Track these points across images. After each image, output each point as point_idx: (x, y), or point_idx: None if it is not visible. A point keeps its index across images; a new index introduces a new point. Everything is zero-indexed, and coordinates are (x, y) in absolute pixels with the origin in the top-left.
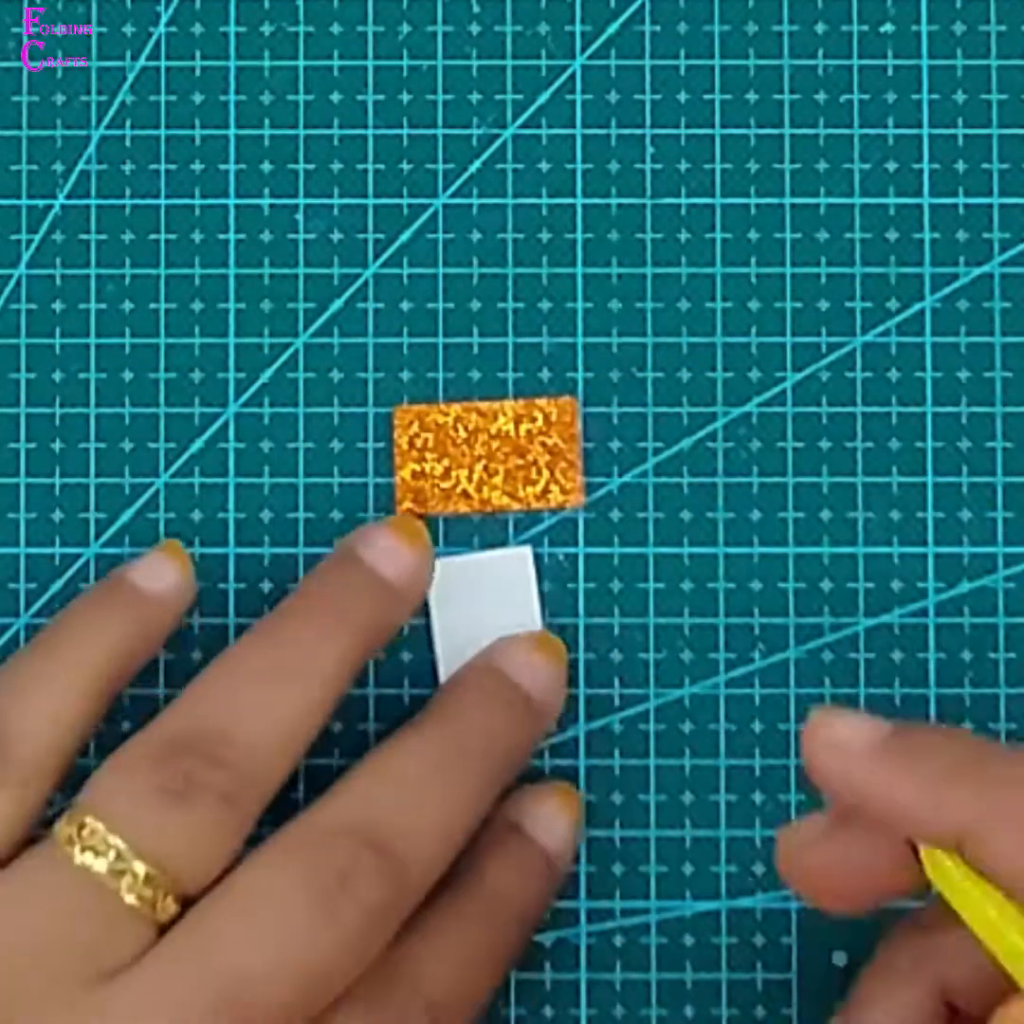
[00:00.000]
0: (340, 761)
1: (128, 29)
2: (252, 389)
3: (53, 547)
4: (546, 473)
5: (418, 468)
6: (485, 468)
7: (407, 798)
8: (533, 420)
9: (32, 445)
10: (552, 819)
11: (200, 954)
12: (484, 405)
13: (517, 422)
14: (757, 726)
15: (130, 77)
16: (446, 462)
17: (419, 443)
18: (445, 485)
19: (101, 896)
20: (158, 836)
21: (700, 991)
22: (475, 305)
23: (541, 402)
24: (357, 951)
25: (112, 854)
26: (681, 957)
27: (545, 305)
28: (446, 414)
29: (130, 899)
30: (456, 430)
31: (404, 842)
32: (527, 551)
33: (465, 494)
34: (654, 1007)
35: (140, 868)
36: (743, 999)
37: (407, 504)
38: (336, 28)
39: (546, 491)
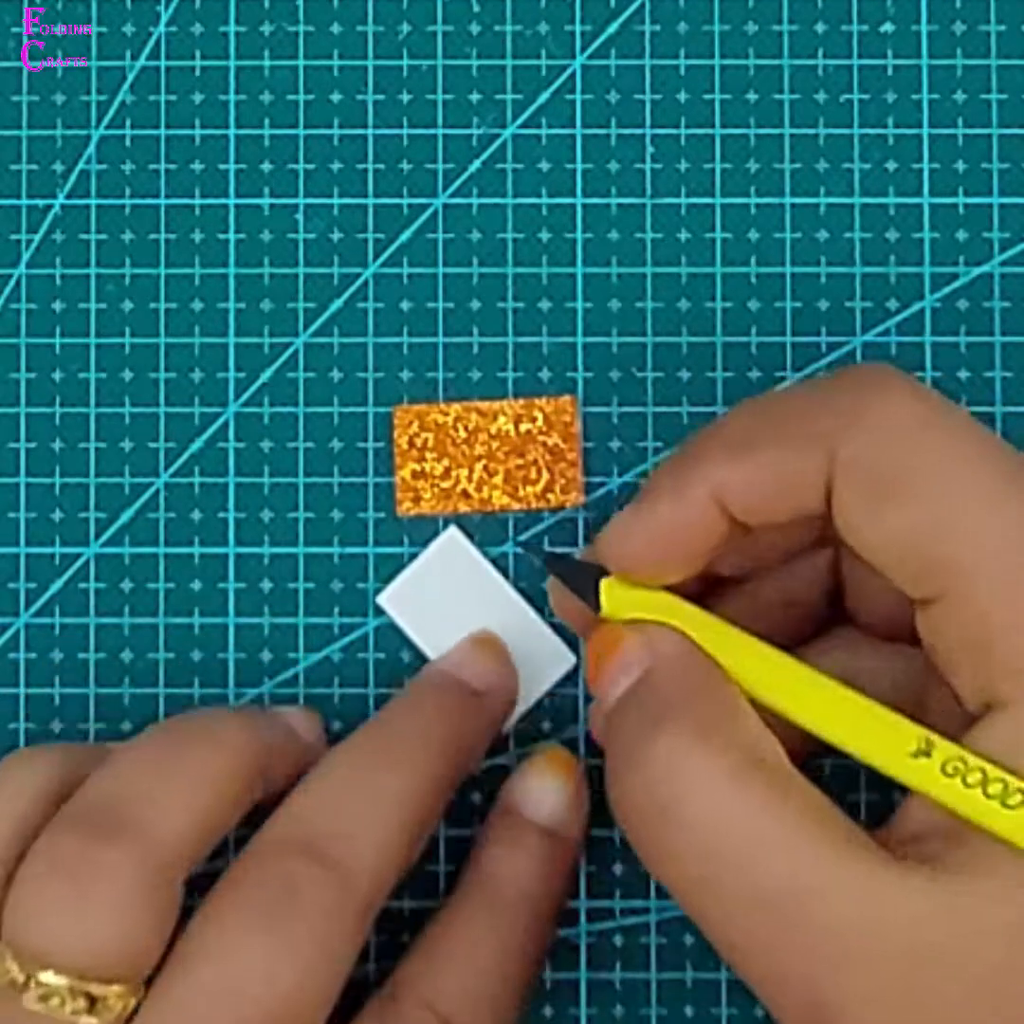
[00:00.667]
0: None
1: (128, 29)
2: (252, 389)
3: (53, 547)
4: (546, 473)
5: (418, 468)
6: (485, 468)
7: (337, 804)
8: (533, 420)
9: (32, 445)
10: (540, 792)
11: (180, 1012)
12: (484, 405)
13: (517, 422)
14: None
15: (130, 77)
16: (446, 462)
17: (419, 443)
18: (445, 485)
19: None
20: (73, 946)
21: (700, 991)
22: (475, 305)
23: (540, 402)
24: (324, 957)
25: (31, 979)
26: (681, 957)
27: (545, 305)
28: (446, 414)
29: (63, 1012)
30: (456, 430)
31: (339, 845)
32: (452, 529)
33: (465, 494)
34: (654, 1007)
35: (60, 982)
36: (743, 999)
37: (407, 504)
38: (336, 28)
39: (546, 491)
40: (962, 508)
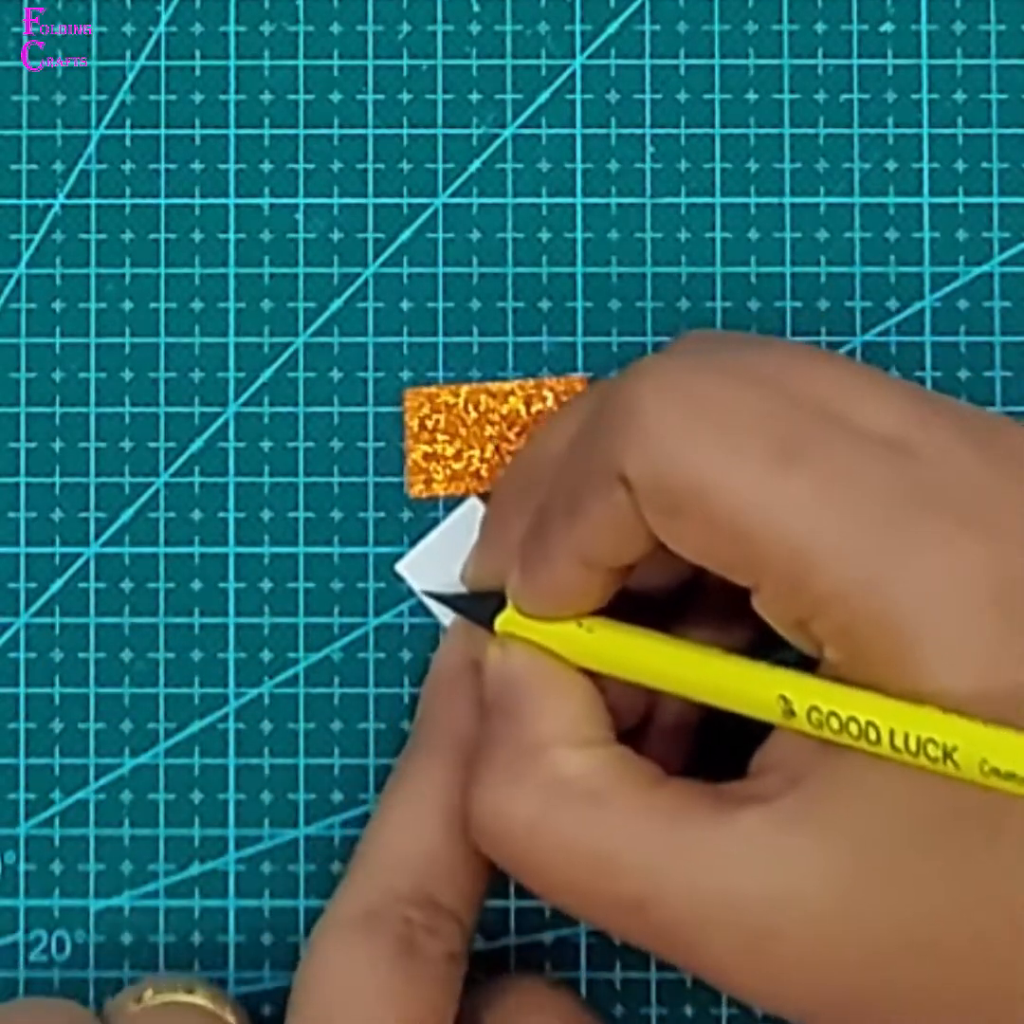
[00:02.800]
0: (341, 760)
1: (128, 29)
2: (252, 389)
3: (53, 547)
4: None
5: (429, 450)
6: (497, 448)
7: (415, 838)
8: (543, 400)
9: (32, 445)
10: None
11: None
12: (494, 385)
13: (527, 402)
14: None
15: (130, 77)
16: (457, 443)
17: (430, 424)
18: (457, 466)
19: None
20: None
21: (700, 990)
22: (475, 304)
23: (551, 381)
24: (444, 999)
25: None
26: None
27: (545, 305)
28: (456, 395)
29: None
30: (466, 411)
31: (436, 884)
32: (473, 499)
33: (477, 475)
34: (654, 1006)
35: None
36: None
37: (419, 486)
38: (336, 28)
39: None
40: (744, 508)
